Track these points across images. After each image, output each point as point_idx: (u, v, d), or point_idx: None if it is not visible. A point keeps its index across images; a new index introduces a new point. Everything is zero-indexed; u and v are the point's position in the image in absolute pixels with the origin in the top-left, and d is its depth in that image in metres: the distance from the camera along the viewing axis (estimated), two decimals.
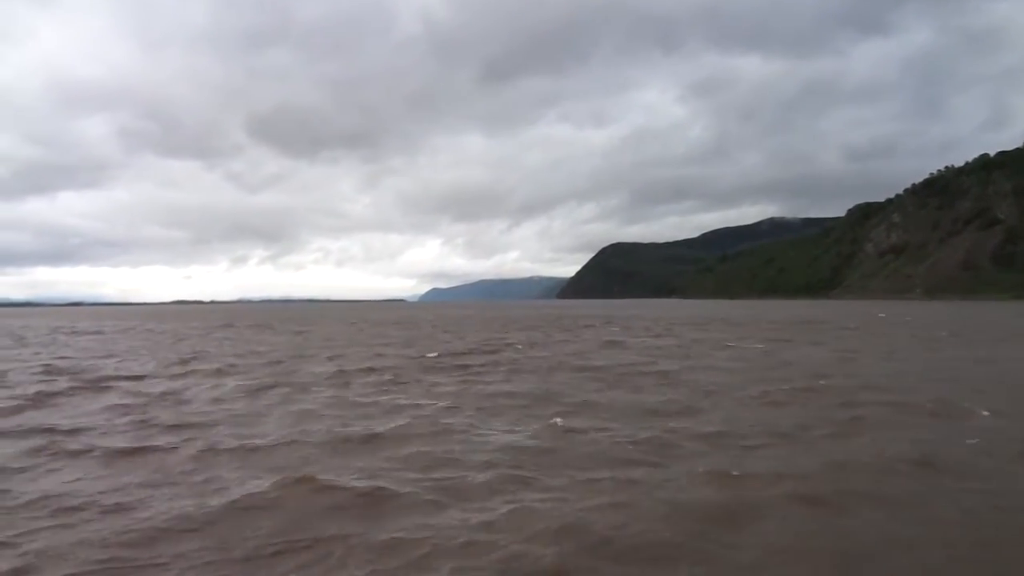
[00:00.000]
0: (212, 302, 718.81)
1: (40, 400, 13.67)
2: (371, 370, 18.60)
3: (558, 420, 10.93)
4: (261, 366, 19.89)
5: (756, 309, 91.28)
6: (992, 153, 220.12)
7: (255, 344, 31.09)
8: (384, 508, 6.69)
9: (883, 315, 57.43)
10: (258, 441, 9.68)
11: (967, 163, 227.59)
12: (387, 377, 17.14)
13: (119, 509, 6.75)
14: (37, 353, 26.95)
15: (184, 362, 21.65)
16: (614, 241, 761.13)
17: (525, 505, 6.65)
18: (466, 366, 19.54)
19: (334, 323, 58.29)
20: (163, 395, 14.31)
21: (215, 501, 6.89)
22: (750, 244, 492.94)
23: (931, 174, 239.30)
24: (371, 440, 9.74)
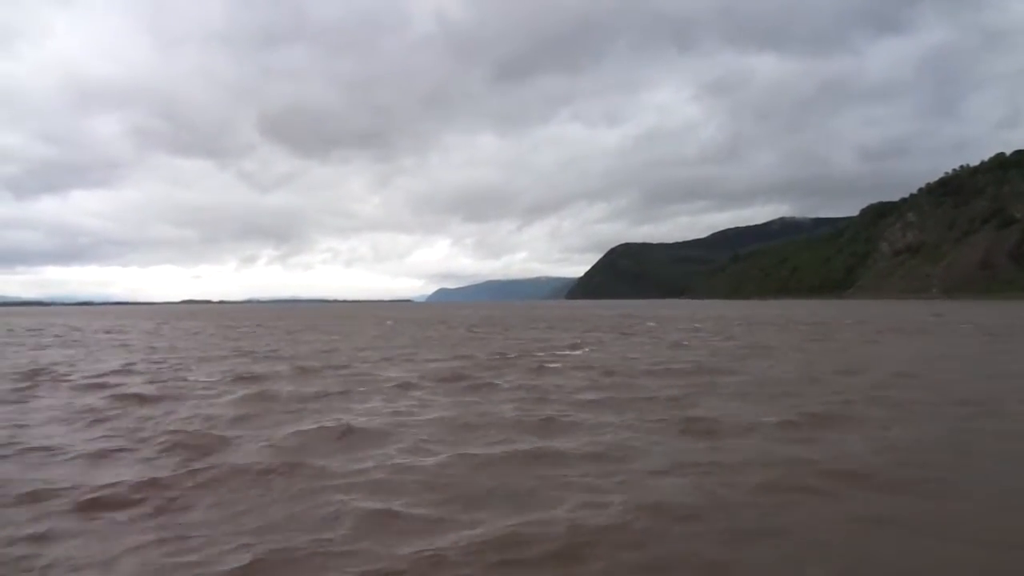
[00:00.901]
0: (221, 302, 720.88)
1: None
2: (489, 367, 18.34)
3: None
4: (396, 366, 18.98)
5: (782, 309, 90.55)
6: (1008, 152, 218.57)
7: (334, 343, 30.83)
8: None
9: (939, 315, 55.80)
10: None
11: (982, 162, 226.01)
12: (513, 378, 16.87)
13: None
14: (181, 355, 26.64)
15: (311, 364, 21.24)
16: (623, 241, 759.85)
17: None
18: (587, 367, 18.59)
19: (373, 322, 57.92)
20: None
21: None
22: (761, 244, 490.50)
23: (946, 173, 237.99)
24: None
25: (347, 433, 8.75)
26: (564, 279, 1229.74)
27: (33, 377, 15.49)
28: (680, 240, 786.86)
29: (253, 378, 14.84)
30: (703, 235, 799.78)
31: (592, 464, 7.24)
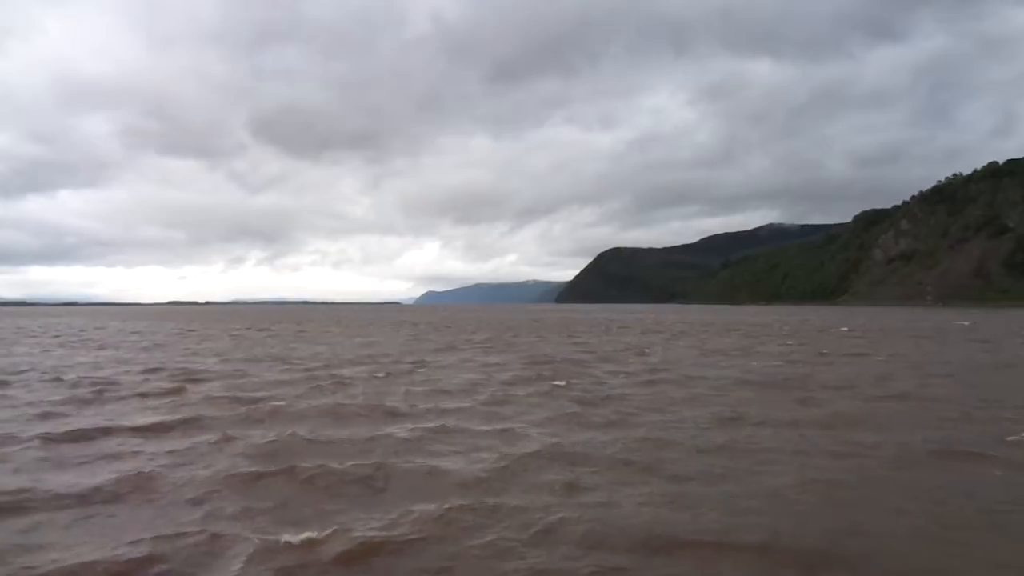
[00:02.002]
0: (207, 303, 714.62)
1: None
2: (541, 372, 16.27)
3: None
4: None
5: (790, 315, 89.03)
6: (1001, 161, 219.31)
7: (374, 344, 28.68)
8: None
9: (966, 323, 54.13)
10: None
11: (976, 171, 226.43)
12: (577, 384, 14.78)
13: None
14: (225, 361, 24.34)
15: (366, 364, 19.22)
16: (613, 246, 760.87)
17: None
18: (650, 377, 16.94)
19: (385, 325, 55.78)
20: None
21: None
22: (749, 250, 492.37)
23: (939, 181, 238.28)
24: None
25: None
26: (553, 283, 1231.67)
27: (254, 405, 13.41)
28: (669, 245, 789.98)
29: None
30: (692, 240, 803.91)
31: None
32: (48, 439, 8.87)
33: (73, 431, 9.42)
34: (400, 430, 9.64)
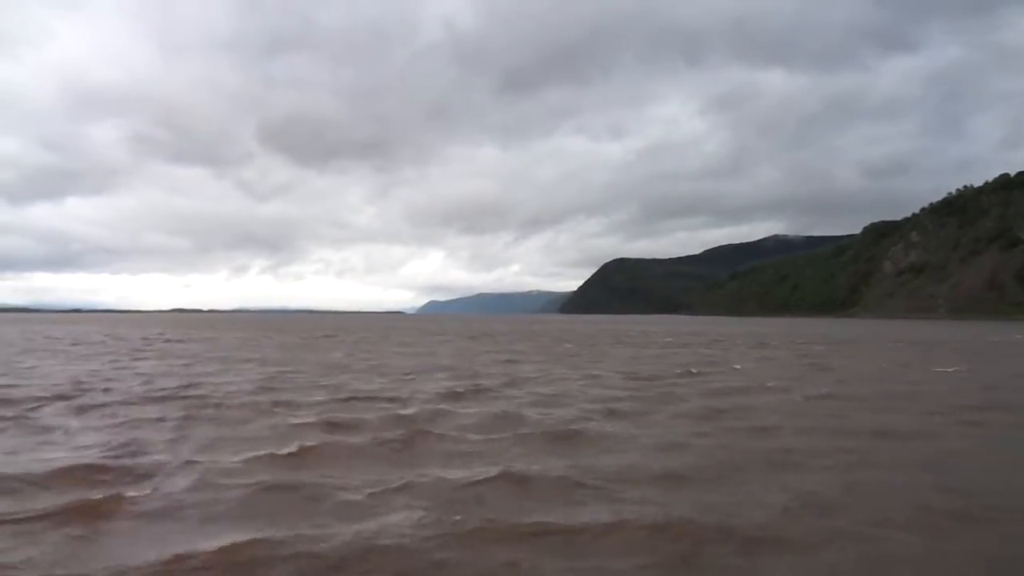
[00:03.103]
0: (211, 311, 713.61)
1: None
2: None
3: None
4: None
5: (834, 327, 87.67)
6: (1012, 173, 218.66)
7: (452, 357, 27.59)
8: None
9: (996, 339, 52.99)
10: None
11: (987, 183, 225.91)
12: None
13: None
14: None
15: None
16: (617, 256, 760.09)
17: None
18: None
19: (414, 335, 54.81)
20: None
21: None
22: (753, 262, 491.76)
23: (949, 193, 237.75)
24: None
25: None
26: (556, 293, 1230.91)
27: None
28: (673, 256, 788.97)
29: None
30: (696, 251, 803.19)
31: None
32: None
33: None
34: None
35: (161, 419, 10.53)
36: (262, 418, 10.82)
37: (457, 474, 7.16)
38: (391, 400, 13.07)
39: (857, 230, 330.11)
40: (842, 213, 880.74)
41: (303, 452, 8.06)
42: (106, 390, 14.22)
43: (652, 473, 7.27)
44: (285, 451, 8.11)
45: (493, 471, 7.09)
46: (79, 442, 8.74)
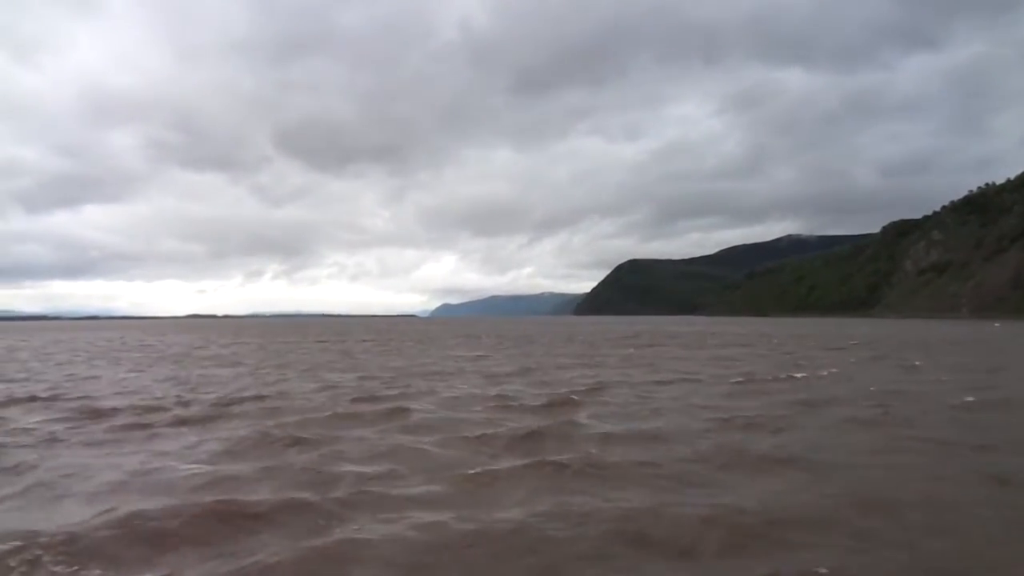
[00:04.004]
0: (226, 316, 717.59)
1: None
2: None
3: None
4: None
5: (853, 327, 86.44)
6: None
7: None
8: None
9: None
10: None
11: (1008, 180, 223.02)
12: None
13: None
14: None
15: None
16: (630, 257, 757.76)
17: None
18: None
19: (454, 338, 54.41)
20: None
21: None
22: (768, 262, 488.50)
23: (971, 191, 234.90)
24: None
25: None
26: (568, 295, 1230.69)
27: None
28: (687, 256, 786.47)
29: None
30: (710, 251, 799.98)
31: None
32: None
33: None
34: None
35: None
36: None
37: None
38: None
39: (874, 229, 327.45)
40: (858, 212, 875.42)
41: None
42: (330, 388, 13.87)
43: None
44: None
45: None
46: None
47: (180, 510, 5.93)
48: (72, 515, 5.96)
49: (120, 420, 11.61)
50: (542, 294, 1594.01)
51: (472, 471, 7.46)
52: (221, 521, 5.74)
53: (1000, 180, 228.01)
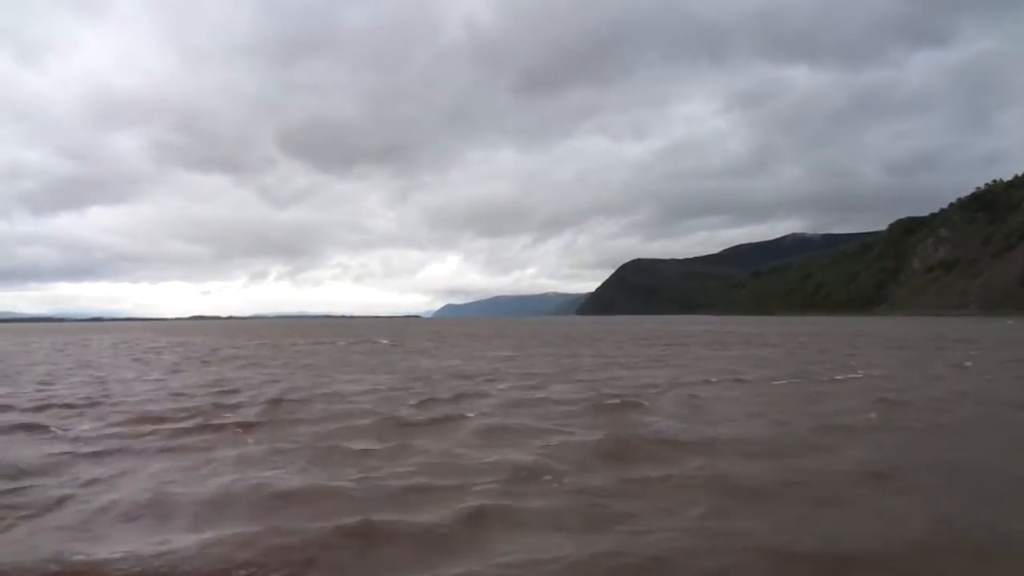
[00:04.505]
0: (230, 317, 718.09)
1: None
2: None
3: None
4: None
5: (873, 325, 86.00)
6: None
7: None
8: None
9: None
10: None
11: (1016, 176, 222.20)
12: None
13: None
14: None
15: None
16: (635, 257, 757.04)
17: None
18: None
19: (484, 339, 53.88)
20: None
21: None
22: (772, 260, 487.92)
23: (978, 188, 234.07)
24: None
25: None
26: (572, 295, 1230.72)
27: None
28: (691, 256, 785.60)
29: None
30: (714, 251, 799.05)
31: None
32: None
33: None
34: None
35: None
36: None
37: None
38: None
39: (879, 227, 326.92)
40: (863, 210, 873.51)
41: None
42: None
43: None
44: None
45: None
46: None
47: (308, 533, 5.48)
48: (184, 540, 5.49)
49: (179, 425, 11.15)
50: (546, 294, 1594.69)
51: (589, 485, 6.97)
52: (365, 545, 5.28)
53: (1008, 177, 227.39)
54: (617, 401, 13.46)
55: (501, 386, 17.37)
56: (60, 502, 6.68)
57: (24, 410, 13.68)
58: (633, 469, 7.70)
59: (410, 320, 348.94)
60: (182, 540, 5.45)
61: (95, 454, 9.00)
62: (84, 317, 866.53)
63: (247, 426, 10.99)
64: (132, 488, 7.12)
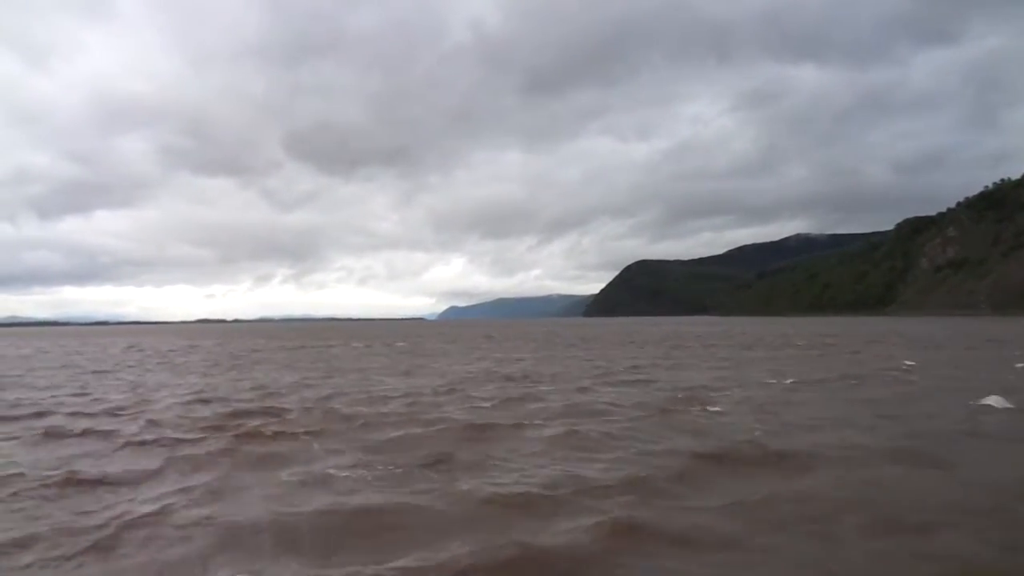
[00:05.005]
0: (235, 321, 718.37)
1: None
2: None
3: None
4: None
5: (891, 325, 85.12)
6: None
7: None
8: None
9: None
10: None
11: None
12: None
13: None
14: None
15: None
16: (640, 258, 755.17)
17: None
18: None
19: (512, 341, 53.54)
20: None
21: None
22: (777, 261, 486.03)
23: (986, 187, 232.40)
24: None
25: None
26: (576, 296, 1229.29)
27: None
28: (696, 257, 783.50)
29: None
30: (719, 251, 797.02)
31: None
32: None
33: None
34: None
35: None
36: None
37: None
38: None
39: (884, 227, 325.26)
40: (869, 210, 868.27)
41: None
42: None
43: None
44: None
45: None
46: None
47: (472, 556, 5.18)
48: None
49: (244, 431, 10.87)
50: (550, 296, 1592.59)
51: (707, 505, 6.62)
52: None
53: (1016, 175, 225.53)
54: (698, 408, 13.01)
55: (557, 385, 17.10)
56: (171, 517, 6.37)
57: (72, 415, 13.42)
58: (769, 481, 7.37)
59: (416, 322, 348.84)
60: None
61: (182, 461, 8.74)
62: (89, 321, 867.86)
63: (316, 433, 10.68)
64: (244, 505, 6.79)
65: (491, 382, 19.07)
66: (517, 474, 7.69)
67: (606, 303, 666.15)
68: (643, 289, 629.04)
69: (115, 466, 8.42)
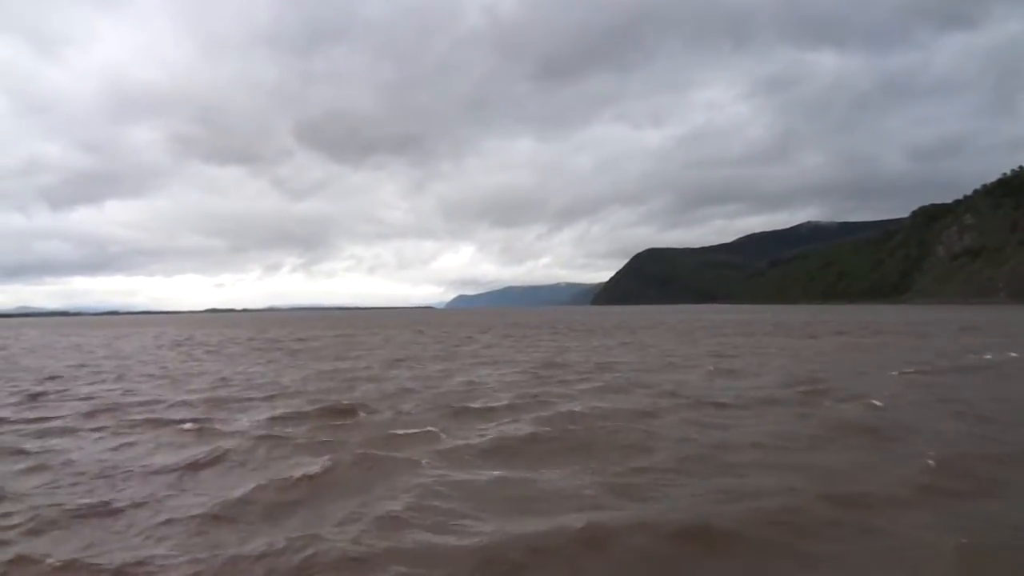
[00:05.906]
0: (244, 310, 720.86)
1: None
2: None
3: None
4: None
5: (933, 314, 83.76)
6: None
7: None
8: None
9: None
10: None
11: None
12: None
13: None
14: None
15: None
16: (649, 246, 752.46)
17: None
18: None
19: (530, 328, 53.19)
20: None
21: None
22: (787, 249, 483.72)
23: (1004, 174, 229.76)
24: None
25: None
26: (585, 285, 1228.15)
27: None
28: (706, 245, 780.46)
29: None
30: (729, 239, 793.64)
31: None
32: None
33: None
34: None
35: None
36: None
37: None
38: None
39: (898, 215, 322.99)
40: (884, 197, 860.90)
41: None
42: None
43: None
44: None
45: None
46: None
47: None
48: None
49: (344, 422, 10.58)
50: (559, 284, 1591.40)
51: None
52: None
53: None
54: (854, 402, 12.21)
55: (623, 372, 16.57)
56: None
57: (144, 404, 13.17)
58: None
59: (428, 311, 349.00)
60: None
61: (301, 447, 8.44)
62: (100, 311, 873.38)
63: (422, 424, 10.35)
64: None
65: (578, 370, 18.65)
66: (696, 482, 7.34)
67: (615, 291, 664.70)
68: (652, 277, 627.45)
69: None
